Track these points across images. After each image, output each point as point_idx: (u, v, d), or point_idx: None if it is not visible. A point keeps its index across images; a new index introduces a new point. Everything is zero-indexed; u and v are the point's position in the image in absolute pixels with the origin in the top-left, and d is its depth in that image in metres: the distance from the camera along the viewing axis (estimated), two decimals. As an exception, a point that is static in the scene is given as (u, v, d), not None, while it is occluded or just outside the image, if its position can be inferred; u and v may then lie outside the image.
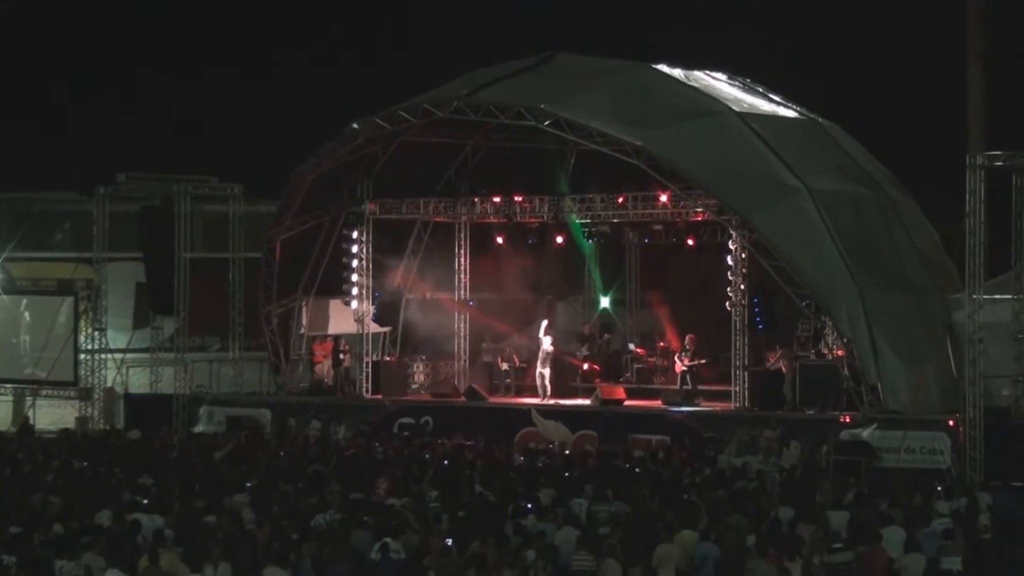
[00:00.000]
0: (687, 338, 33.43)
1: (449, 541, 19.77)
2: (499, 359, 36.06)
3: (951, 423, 28.20)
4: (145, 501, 22.55)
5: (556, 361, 34.91)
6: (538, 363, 34.45)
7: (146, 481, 24.49)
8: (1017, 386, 28.62)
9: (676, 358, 33.41)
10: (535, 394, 34.33)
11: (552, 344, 34.60)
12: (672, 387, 33.32)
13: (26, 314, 38.83)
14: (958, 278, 30.41)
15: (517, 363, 36.12)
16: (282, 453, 29.17)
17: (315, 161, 35.24)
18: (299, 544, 19.64)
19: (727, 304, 31.52)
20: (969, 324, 28.19)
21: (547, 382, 34.14)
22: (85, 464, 26.85)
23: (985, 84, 37.06)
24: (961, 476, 27.09)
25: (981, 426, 27.61)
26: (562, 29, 42.81)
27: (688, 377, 32.89)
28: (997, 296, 28.89)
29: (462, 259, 36.76)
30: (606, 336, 37.07)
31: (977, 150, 31.02)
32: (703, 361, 32.98)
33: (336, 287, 36.35)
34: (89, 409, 36.84)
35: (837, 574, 18.64)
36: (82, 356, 37.29)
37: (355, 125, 34.48)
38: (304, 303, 37.09)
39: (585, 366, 35.50)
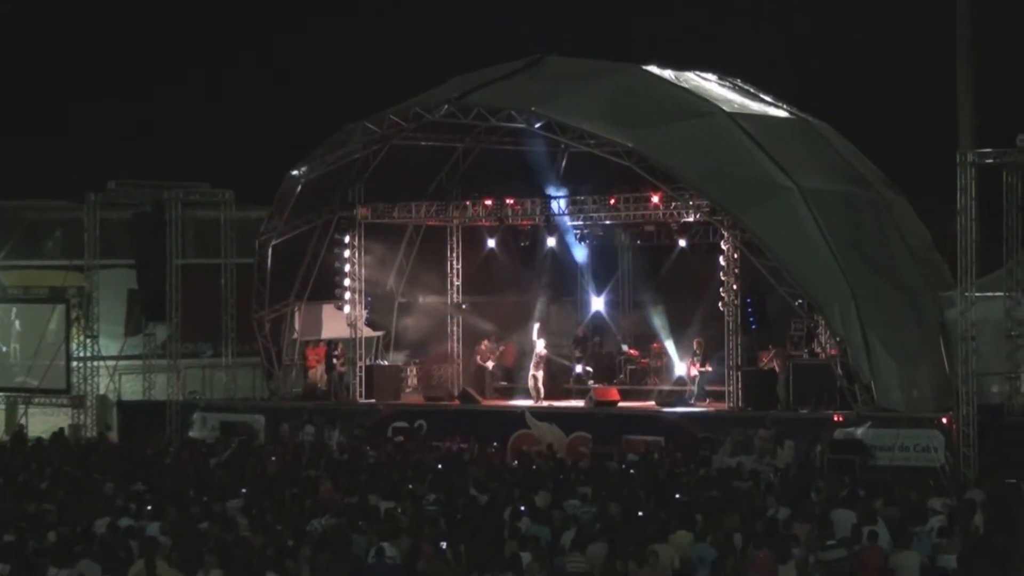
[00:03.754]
0: (695, 342, 33.20)
1: (443, 544, 19.76)
2: (479, 358, 35.94)
3: (945, 421, 28.23)
4: (139, 508, 22.51)
5: (549, 363, 34.92)
6: (531, 366, 34.44)
7: (140, 488, 24.46)
8: (1010, 383, 28.63)
9: (689, 364, 33.12)
10: (528, 396, 34.31)
11: (545, 347, 34.60)
12: (680, 388, 33.15)
13: (16, 322, 38.78)
14: (950, 276, 30.44)
15: (511, 362, 36.11)
16: (274, 458, 29.15)
17: (306, 166, 35.20)
18: (294, 549, 19.62)
19: (720, 304, 31.52)
20: (961, 322, 28.23)
21: (540, 384, 34.13)
22: (79, 472, 26.78)
23: (975, 82, 37.11)
24: (955, 473, 27.10)
25: (975, 423, 27.64)
26: (549, 30, 42.87)
27: (699, 380, 32.74)
28: (989, 293, 28.91)
29: (454, 262, 36.74)
30: (597, 339, 37.07)
31: (967, 148, 31.05)
32: (709, 369, 32.80)
33: (328, 292, 36.33)
34: (82, 416, 36.78)
35: (831, 572, 18.63)
36: (74, 364, 37.24)
37: (346, 129, 34.47)
38: (296, 308, 37.05)
39: (579, 368, 35.49)
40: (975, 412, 27.70)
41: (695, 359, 32.90)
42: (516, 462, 28.46)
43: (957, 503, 22.76)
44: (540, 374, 34.21)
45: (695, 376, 32.78)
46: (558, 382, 35.13)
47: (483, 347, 36.13)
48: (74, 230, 38.67)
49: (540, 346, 34.47)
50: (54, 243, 41.56)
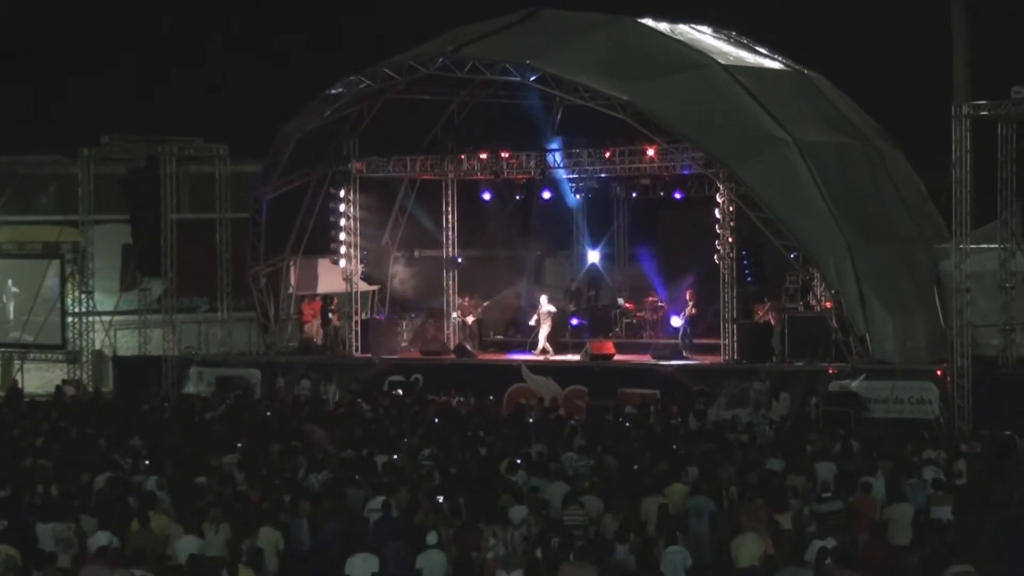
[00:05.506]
0: (687, 293, 33.17)
1: (440, 498, 19.85)
2: (460, 313, 35.99)
3: (939, 373, 28.29)
4: (136, 463, 22.57)
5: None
6: (539, 323, 34.36)
7: (136, 443, 24.52)
8: (1004, 335, 28.68)
9: (683, 314, 33.11)
10: (524, 350, 34.34)
11: (549, 301, 34.56)
12: (675, 342, 33.11)
13: (11, 278, 38.71)
14: (945, 228, 30.44)
15: (511, 314, 36.10)
16: (269, 413, 29.22)
17: (300, 120, 35.09)
18: (292, 504, 19.70)
19: (715, 257, 31.53)
20: (956, 274, 28.22)
21: (540, 339, 34.13)
22: (75, 427, 26.84)
23: (970, 34, 36.97)
24: (950, 426, 27.19)
25: (969, 375, 27.68)
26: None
27: (688, 330, 32.76)
28: (983, 245, 28.91)
29: (449, 216, 36.70)
30: (592, 292, 37.12)
31: (962, 100, 30.97)
32: (693, 311, 32.81)
33: (324, 246, 36.29)
34: (78, 372, 36.81)
35: (826, 523, 18.75)
36: (69, 319, 37.23)
37: (340, 83, 34.34)
38: (292, 263, 37.03)
39: (574, 321, 35.53)
40: (969, 364, 27.75)
41: (686, 310, 32.93)
42: (511, 415, 28.52)
43: (951, 455, 22.88)
44: (546, 329, 34.21)
45: (683, 326, 32.73)
46: (554, 335, 35.14)
47: (464, 303, 36.20)
48: (68, 185, 38.56)
49: (544, 302, 34.46)
50: (48, 198, 41.45)
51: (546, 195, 36.09)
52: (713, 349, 31.96)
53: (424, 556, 17.57)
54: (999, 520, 19.26)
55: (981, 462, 22.78)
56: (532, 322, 34.52)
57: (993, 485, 21.35)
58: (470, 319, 35.98)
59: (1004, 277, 28.59)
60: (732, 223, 31.20)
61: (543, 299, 34.59)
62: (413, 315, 37.04)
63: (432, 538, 17.74)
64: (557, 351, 34.41)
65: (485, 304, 36.50)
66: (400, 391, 32.12)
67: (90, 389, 35.53)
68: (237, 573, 16.67)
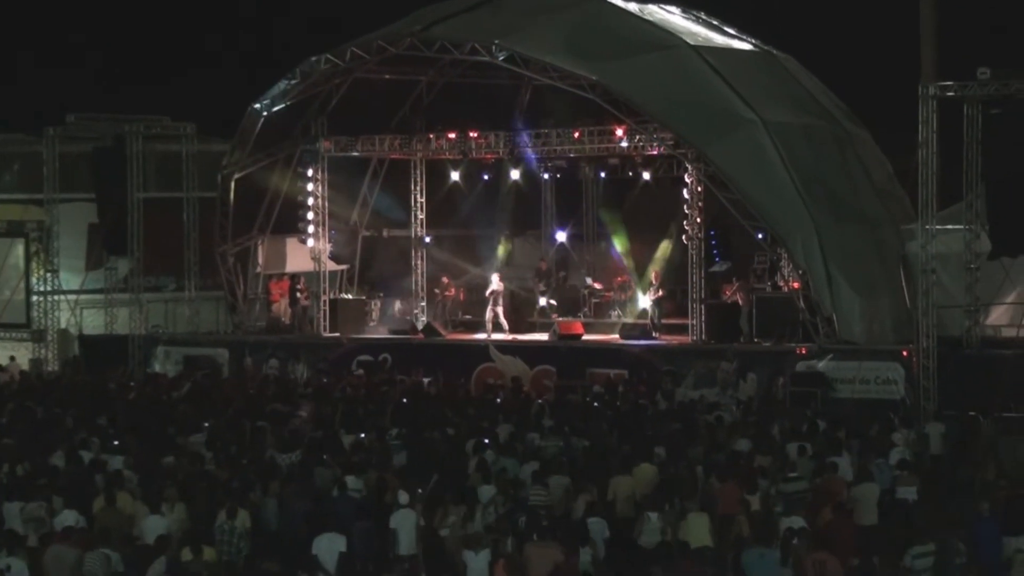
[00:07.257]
0: (653, 273, 33.29)
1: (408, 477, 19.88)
2: (440, 294, 35.98)
3: (905, 353, 28.44)
4: (103, 442, 22.48)
5: (513, 297, 34.95)
6: (489, 301, 34.36)
7: (103, 422, 24.42)
8: (969, 316, 28.84)
9: (646, 294, 33.17)
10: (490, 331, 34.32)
11: (500, 281, 34.51)
12: (643, 322, 33.11)
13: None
14: (911, 209, 30.56)
15: (466, 296, 36.19)
16: (237, 392, 29.11)
17: (268, 99, 34.94)
18: (259, 483, 19.67)
19: (683, 237, 31.57)
20: (922, 255, 28.36)
21: (502, 319, 34.09)
22: (40, 406, 26.70)
23: (938, 16, 37.07)
24: (915, 406, 27.34)
25: (934, 356, 27.82)
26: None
27: (656, 311, 32.82)
28: (949, 227, 29.05)
29: (418, 196, 36.63)
30: (562, 274, 37.13)
31: (929, 81, 31.06)
32: (661, 294, 32.91)
33: (292, 225, 36.19)
34: (43, 351, 36.63)
35: (792, 503, 18.84)
36: (34, 298, 37.03)
37: (308, 62, 34.20)
38: (260, 242, 36.92)
39: (543, 302, 35.53)
40: (935, 345, 27.89)
41: (652, 290, 32.99)
42: (480, 395, 28.52)
43: (917, 435, 23.02)
44: (500, 309, 34.19)
45: (651, 307, 32.76)
46: (522, 315, 35.16)
47: (445, 282, 36.17)
48: (33, 164, 38.28)
49: (495, 281, 34.43)
50: (12, 177, 41.12)
51: (515, 175, 36.05)
52: (681, 329, 32.04)
53: (397, 515, 18.20)
54: (964, 500, 19.38)
55: (946, 443, 22.93)
56: (490, 304, 34.43)
57: (958, 466, 21.51)
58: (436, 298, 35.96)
59: (969, 258, 28.73)
60: (700, 203, 31.26)
61: (494, 277, 34.55)
62: (381, 295, 36.96)
63: (403, 498, 18.37)
64: (525, 330, 34.40)
65: (450, 284, 36.37)
66: (362, 371, 32.04)
67: (53, 368, 35.39)
68: (201, 553, 16.66)
